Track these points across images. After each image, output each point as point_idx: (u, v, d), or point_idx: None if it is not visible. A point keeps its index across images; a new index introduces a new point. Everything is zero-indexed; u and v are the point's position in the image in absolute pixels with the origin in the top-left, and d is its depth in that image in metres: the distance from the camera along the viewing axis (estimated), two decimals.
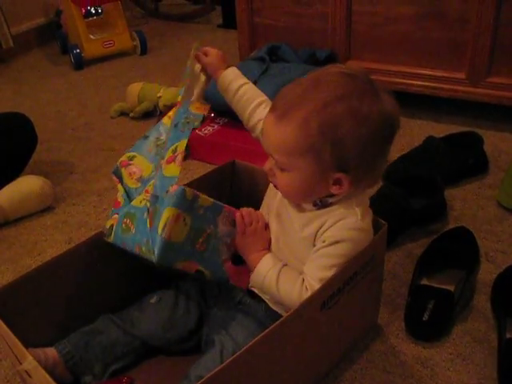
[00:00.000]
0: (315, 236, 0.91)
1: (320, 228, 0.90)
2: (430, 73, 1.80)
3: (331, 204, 0.91)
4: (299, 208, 0.94)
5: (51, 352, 0.98)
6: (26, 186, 1.54)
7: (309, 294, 0.88)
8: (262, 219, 0.98)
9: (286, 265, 0.94)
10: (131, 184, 1.01)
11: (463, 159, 1.55)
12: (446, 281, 1.17)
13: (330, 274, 0.88)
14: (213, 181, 1.21)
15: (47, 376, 0.79)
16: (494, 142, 1.72)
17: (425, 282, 1.19)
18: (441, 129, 1.80)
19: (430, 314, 1.10)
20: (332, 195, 0.90)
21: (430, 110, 1.94)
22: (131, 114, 2.07)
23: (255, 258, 0.95)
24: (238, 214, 0.97)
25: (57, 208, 1.60)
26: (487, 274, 1.23)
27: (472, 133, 1.63)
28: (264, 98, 1.05)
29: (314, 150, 0.83)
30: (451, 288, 1.15)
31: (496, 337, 1.08)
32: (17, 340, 0.83)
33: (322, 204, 0.91)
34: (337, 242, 0.89)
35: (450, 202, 1.46)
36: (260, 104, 1.03)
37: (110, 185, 1.58)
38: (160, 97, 2.01)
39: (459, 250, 1.20)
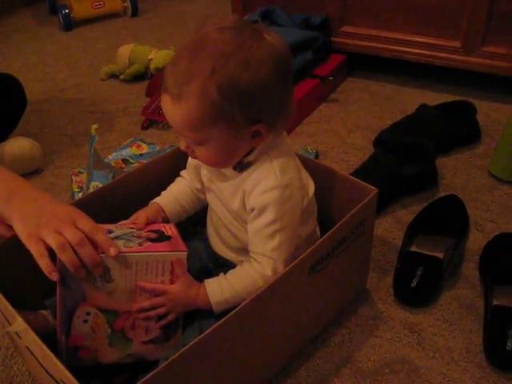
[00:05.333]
0: (244, 206, 0.90)
1: (244, 196, 0.89)
2: (425, 40, 1.78)
3: (249, 164, 0.89)
4: (223, 178, 0.92)
5: (42, 314, 0.98)
6: (15, 147, 1.52)
7: (269, 270, 0.87)
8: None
9: (222, 272, 0.92)
10: (75, 189, 1.43)
11: (455, 128, 1.55)
12: (435, 248, 1.18)
13: (276, 242, 0.87)
14: None
15: (37, 338, 0.78)
16: (487, 111, 1.72)
17: (414, 248, 1.19)
18: (434, 97, 1.79)
19: (419, 280, 1.11)
20: (247, 154, 0.88)
21: (424, 78, 1.92)
22: (122, 77, 2.04)
23: (203, 299, 0.89)
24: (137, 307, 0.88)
25: (45, 170, 1.58)
26: (476, 242, 1.24)
27: (465, 102, 1.63)
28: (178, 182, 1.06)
29: (223, 114, 0.80)
30: (440, 255, 1.16)
31: (483, 304, 1.09)
32: (7, 302, 0.83)
33: (240, 166, 0.89)
34: (263, 210, 0.87)
35: (441, 171, 1.46)
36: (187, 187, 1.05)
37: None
38: (151, 59, 1.98)
39: (449, 218, 1.21)
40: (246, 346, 0.88)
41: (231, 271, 0.91)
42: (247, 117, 0.81)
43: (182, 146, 0.88)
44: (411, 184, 1.37)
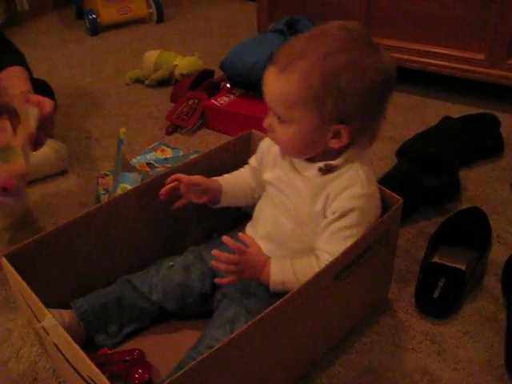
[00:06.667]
0: (324, 209, 0.92)
1: (327, 199, 0.91)
2: (449, 53, 1.78)
3: (336, 168, 0.91)
4: (304, 178, 0.94)
5: (67, 313, 1.00)
6: (42, 148, 1.54)
7: None
8: (247, 239, 0.94)
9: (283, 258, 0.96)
10: (101, 191, 1.44)
11: (479, 141, 1.55)
12: (457, 260, 1.18)
13: (346, 246, 0.89)
14: (230, 151, 1.21)
15: (66, 334, 0.79)
16: (511, 125, 1.71)
17: (436, 259, 1.19)
18: (457, 109, 1.79)
19: (441, 291, 1.11)
20: (335, 158, 0.91)
21: (447, 90, 1.92)
22: (146, 82, 2.07)
23: (265, 274, 0.93)
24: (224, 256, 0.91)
25: (71, 172, 1.61)
26: (498, 255, 1.24)
27: (489, 115, 1.62)
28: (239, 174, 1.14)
29: (317, 101, 0.84)
30: (462, 267, 1.16)
31: (505, 317, 1.09)
32: (37, 298, 0.84)
33: (326, 168, 0.92)
34: (346, 213, 0.90)
35: (464, 183, 1.46)
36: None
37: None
38: (176, 65, 2.01)
39: (472, 230, 1.21)
40: (269, 352, 0.88)
41: (297, 259, 0.94)
42: (336, 112, 0.84)
43: (266, 122, 0.91)
44: (434, 195, 1.37)
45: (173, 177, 1.05)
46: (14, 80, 1.29)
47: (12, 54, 1.47)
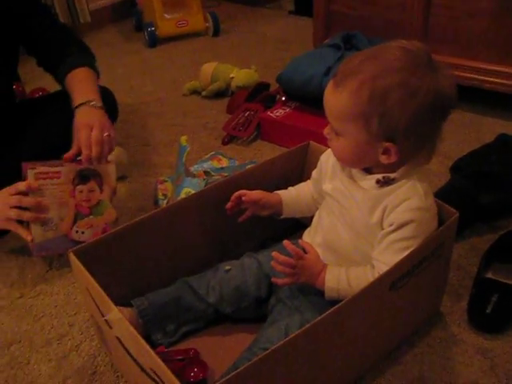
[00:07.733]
0: (381, 220, 0.94)
1: (385, 211, 0.93)
2: (507, 70, 1.78)
3: (394, 180, 0.93)
4: (362, 189, 0.96)
5: (127, 311, 1.05)
6: None
7: None
8: (306, 246, 0.99)
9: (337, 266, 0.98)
10: (160, 196, 1.51)
11: None
12: (511, 276, 1.18)
13: (401, 257, 0.91)
14: (288, 161, 1.25)
15: (131, 327, 0.83)
16: None
17: (490, 275, 1.19)
18: None
19: (494, 306, 1.11)
20: (393, 171, 0.93)
21: (502, 107, 1.91)
22: (203, 93, 2.12)
23: (320, 281, 0.96)
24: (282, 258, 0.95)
25: (130, 177, 1.67)
26: None
27: None
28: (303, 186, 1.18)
29: (363, 118, 0.87)
30: None
31: None
32: (103, 292, 0.89)
33: (384, 181, 0.93)
34: (403, 225, 0.91)
35: None
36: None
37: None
38: (233, 77, 2.06)
39: None
40: (322, 357, 0.90)
41: (352, 268, 0.96)
42: (382, 131, 0.87)
43: (325, 131, 0.95)
44: (487, 212, 1.37)
45: (235, 194, 1.11)
46: (82, 85, 1.41)
47: (84, 53, 1.54)
